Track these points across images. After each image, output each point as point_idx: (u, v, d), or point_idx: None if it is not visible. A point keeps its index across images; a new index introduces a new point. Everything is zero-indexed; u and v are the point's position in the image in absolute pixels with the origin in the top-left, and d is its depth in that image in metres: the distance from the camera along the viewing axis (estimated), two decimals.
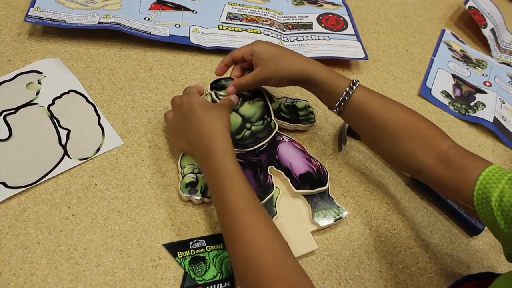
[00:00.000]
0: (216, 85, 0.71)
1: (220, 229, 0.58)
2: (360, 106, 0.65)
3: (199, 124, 0.61)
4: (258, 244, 0.53)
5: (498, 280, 0.50)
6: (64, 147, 0.66)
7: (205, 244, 0.61)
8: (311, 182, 0.69)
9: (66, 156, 0.65)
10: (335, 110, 0.68)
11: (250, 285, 0.52)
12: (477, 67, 1.08)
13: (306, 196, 0.69)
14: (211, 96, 0.71)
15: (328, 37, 0.96)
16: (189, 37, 0.86)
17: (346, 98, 0.65)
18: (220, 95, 0.71)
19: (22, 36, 0.79)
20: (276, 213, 0.65)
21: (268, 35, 0.93)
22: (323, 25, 1.00)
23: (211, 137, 0.60)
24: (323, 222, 0.66)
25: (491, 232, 0.57)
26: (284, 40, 0.93)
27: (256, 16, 0.97)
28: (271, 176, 0.68)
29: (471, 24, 1.20)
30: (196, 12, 0.92)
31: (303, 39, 0.95)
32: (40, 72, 0.73)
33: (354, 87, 0.65)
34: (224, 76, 0.74)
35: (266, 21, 0.96)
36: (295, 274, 0.52)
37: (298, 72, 0.67)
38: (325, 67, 0.68)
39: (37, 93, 0.71)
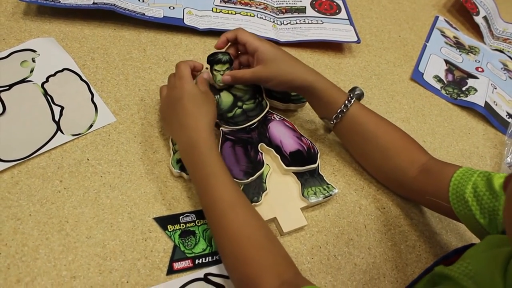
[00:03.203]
0: (213, 58, 0.70)
1: (208, 224, 0.60)
2: (356, 119, 0.69)
3: (185, 118, 0.61)
4: (243, 236, 0.54)
5: (478, 245, 0.52)
6: (57, 123, 0.67)
7: (195, 218, 0.62)
8: (302, 160, 0.69)
9: (59, 132, 0.66)
10: (331, 122, 0.70)
11: (240, 278, 0.53)
12: (469, 53, 1.09)
13: (296, 173, 0.69)
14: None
15: (321, 21, 0.97)
16: (183, 19, 0.86)
17: (344, 110, 0.68)
18: (215, 69, 0.70)
19: (17, 16, 0.79)
20: (266, 189, 0.66)
21: (262, 18, 0.93)
22: (316, 9, 1.00)
23: (195, 132, 0.60)
24: (313, 198, 0.67)
25: (470, 230, 0.61)
26: (277, 24, 0.94)
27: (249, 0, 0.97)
28: (261, 153, 0.68)
29: (464, 11, 1.21)
30: None
31: (296, 23, 0.95)
32: (34, 51, 0.74)
33: (352, 101, 0.68)
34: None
35: (259, 4, 0.97)
36: (281, 263, 0.54)
37: (299, 79, 0.68)
38: (325, 78, 0.70)
39: (31, 71, 0.71)
